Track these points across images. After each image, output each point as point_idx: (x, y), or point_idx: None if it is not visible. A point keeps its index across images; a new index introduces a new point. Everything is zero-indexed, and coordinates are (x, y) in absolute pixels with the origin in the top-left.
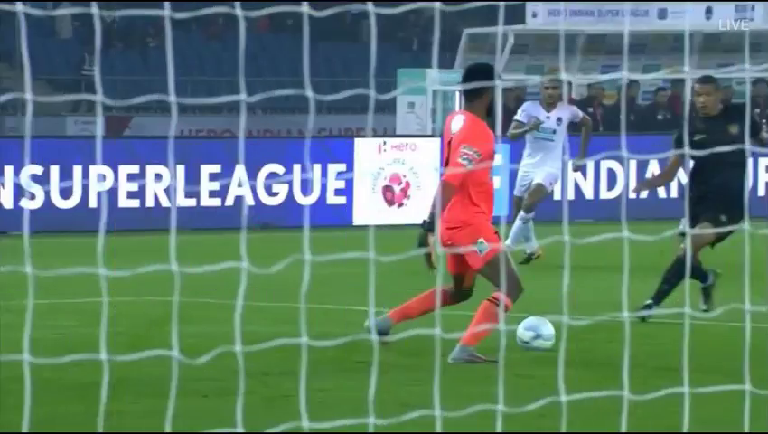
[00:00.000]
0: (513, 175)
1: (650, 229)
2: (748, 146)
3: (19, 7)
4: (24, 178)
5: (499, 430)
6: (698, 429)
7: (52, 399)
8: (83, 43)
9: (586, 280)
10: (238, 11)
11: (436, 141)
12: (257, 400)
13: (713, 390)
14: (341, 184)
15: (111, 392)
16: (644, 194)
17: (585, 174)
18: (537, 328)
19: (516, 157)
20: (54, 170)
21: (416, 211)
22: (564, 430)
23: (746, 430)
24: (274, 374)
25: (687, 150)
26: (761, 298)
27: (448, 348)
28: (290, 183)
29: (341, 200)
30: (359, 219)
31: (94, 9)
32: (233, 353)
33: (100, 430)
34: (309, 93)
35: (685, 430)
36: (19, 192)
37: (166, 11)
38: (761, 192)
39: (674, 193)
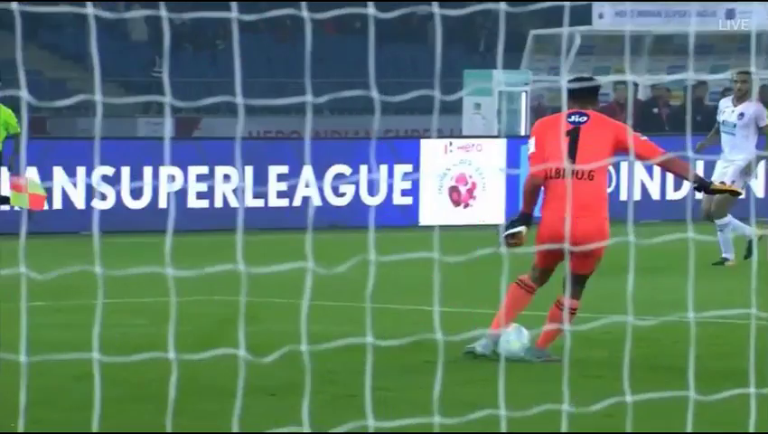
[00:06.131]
0: None
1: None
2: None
3: (89, 9)
4: (96, 179)
5: (564, 430)
6: (765, 430)
7: (121, 397)
8: (156, 45)
9: (647, 280)
10: (305, 12)
11: (502, 142)
12: (324, 400)
13: None
14: (408, 185)
15: (179, 391)
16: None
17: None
18: (520, 338)
19: None
20: (125, 171)
21: (481, 211)
22: (629, 430)
23: None
24: (340, 373)
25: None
26: None
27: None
28: (357, 183)
29: (408, 200)
30: (425, 219)
31: (163, 12)
32: (299, 352)
33: (169, 430)
34: (375, 94)
35: (751, 430)
36: (90, 192)
37: (234, 12)
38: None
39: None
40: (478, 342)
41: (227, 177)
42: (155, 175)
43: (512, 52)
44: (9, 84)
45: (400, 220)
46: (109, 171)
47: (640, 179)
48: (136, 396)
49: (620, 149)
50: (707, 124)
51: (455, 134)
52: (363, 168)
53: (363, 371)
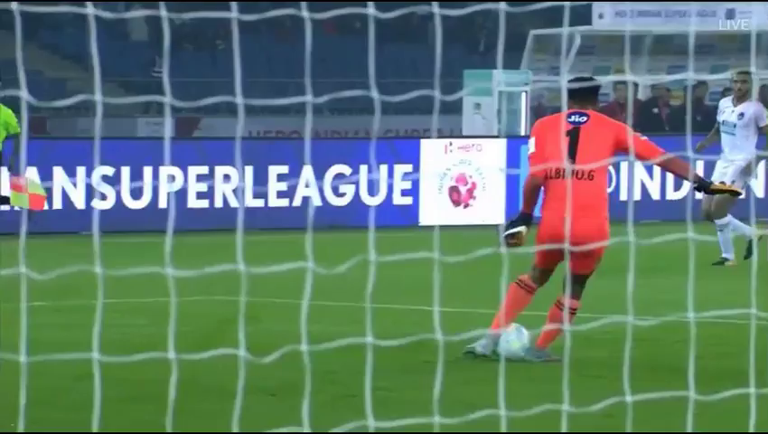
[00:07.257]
0: None
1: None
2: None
3: (89, 9)
4: (96, 179)
5: (564, 430)
6: (765, 430)
7: (121, 397)
8: (156, 45)
9: (647, 280)
10: (305, 12)
11: (502, 142)
12: (324, 400)
13: None
14: (408, 185)
15: (179, 391)
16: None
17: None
18: (521, 338)
19: None
20: (125, 171)
21: (481, 211)
22: (629, 430)
23: None
24: (340, 373)
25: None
26: None
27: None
28: (357, 183)
29: (408, 200)
30: (425, 219)
31: (163, 12)
32: (300, 352)
33: (169, 430)
34: (375, 94)
35: (751, 430)
36: (90, 192)
37: (234, 13)
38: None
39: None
40: (478, 342)
41: (227, 177)
42: (155, 175)
43: (512, 52)
44: (9, 84)
45: (400, 220)
46: (109, 171)
47: (640, 179)
48: (136, 396)
49: (620, 149)
50: (707, 124)
51: (455, 134)
52: (363, 168)
53: (363, 371)
